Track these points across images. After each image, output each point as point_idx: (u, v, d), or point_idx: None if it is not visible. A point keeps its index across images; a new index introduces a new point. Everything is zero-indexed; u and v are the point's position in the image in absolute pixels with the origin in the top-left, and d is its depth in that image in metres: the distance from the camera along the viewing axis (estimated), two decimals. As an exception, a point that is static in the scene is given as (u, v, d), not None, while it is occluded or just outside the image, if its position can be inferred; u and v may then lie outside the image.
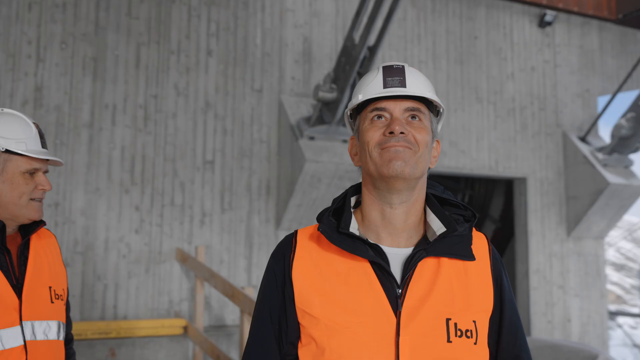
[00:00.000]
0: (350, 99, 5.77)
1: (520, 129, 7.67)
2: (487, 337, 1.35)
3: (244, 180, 6.11)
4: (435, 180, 1.54)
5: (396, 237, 1.37)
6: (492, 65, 7.59)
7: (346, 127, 1.70)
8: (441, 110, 1.42)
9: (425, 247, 1.34)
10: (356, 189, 1.48)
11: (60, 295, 1.96)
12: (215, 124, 6.07)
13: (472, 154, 7.33)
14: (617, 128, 7.32)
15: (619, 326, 13.85)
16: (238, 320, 5.76)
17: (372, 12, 5.30)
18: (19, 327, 1.79)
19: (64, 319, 1.99)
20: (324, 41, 6.62)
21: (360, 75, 5.55)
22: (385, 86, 1.36)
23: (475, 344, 1.31)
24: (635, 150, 7.46)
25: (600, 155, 7.58)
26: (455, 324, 1.30)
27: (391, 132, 1.31)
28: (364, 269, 1.33)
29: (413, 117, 1.36)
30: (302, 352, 1.33)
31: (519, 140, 7.64)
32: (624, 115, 7.31)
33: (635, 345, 13.62)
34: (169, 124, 5.90)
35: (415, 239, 1.38)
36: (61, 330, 1.96)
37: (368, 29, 5.29)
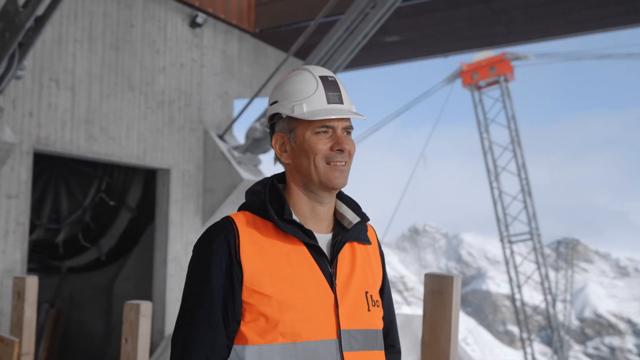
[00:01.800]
0: (7, 69, 5.22)
1: (167, 121, 7.93)
2: None
3: None
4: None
5: (320, 225, 1.60)
6: (146, 56, 7.68)
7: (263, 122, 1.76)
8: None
9: (344, 234, 1.58)
10: (279, 180, 1.63)
11: None
12: None
13: (122, 142, 7.29)
14: (251, 130, 8.18)
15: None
16: None
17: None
18: None
19: None
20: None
21: (22, 46, 5.07)
22: (328, 102, 1.53)
23: (386, 311, 1.65)
24: (265, 152, 8.45)
25: (236, 153, 8.36)
26: (371, 296, 1.60)
27: (339, 150, 1.52)
28: (302, 251, 1.53)
29: (348, 132, 1.57)
30: (246, 328, 1.48)
31: (166, 133, 7.90)
32: (258, 120, 8.21)
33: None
34: None
35: (331, 226, 1.61)
36: None
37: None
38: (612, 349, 68.49)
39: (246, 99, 9.29)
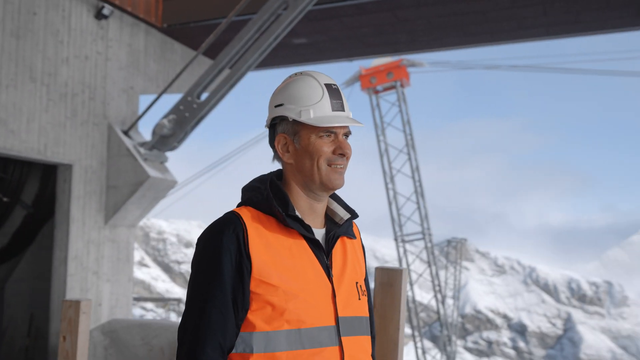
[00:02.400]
0: None
1: (70, 115, 7.63)
2: None
3: None
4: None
5: (316, 220, 1.75)
6: (49, 46, 7.35)
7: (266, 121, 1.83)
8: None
9: (337, 229, 1.71)
10: (277, 177, 1.75)
11: None
12: None
13: (21, 135, 6.94)
14: (159, 127, 8.03)
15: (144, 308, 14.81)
16: None
17: None
18: None
19: None
20: None
21: None
22: (333, 109, 1.67)
23: (368, 300, 1.77)
24: (172, 149, 8.32)
25: (142, 150, 8.17)
26: (360, 286, 1.77)
27: (341, 154, 1.66)
28: (302, 244, 1.67)
29: (346, 137, 1.71)
30: (253, 316, 1.59)
31: (69, 127, 7.60)
32: (165, 116, 8.07)
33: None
34: None
35: (323, 221, 1.74)
36: None
37: None
38: (490, 343, 72.70)
39: (152, 95, 9.11)
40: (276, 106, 1.74)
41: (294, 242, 1.66)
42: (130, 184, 8.01)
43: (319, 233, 1.74)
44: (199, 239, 1.68)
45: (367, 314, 1.77)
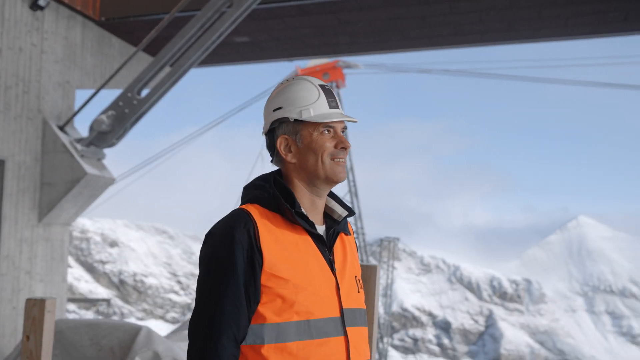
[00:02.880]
0: None
1: (3, 109, 7.34)
2: None
3: None
4: None
5: (317, 217, 1.83)
6: (-19, 36, 7.05)
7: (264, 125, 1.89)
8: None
9: (336, 226, 1.80)
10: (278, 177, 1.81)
11: None
12: None
13: (-49, 128, 6.62)
14: (97, 123, 7.84)
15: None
16: None
17: None
18: None
19: None
20: None
21: None
22: (330, 106, 1.76)
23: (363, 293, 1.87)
24: (111, 145, 8.13)
25: (79, 146, 7.95)
26: (359, 280, 1.84)
27: (343, 147, 1.75)
28: (307, 240, 1.76)
29: (343, 131, 1.80)
30: (264, 308, 1.66)
31: (1, 121, 7.30)
32: (104, 112, 7.89)
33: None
34: None
35: (323, 218, 1.82)
36: None
37: None
38: (415, 340, 74.36)
39: (88, 90, 8.87)
40: (274, 110, 1.82)
41: (300, 238, 1.75)
42: (66, 181, 7.78)
43: (320, 229, 1.82)
44: (210, 235, 1.72)
45: (365, 307, 1.87)
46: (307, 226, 1.75)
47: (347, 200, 18.92)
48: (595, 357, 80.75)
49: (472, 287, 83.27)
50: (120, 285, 70.80)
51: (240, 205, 1.82)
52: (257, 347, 1.64)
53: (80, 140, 8.01)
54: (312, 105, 1.77)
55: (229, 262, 1.65)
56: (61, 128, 8.06)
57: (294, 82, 1.83)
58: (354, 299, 1.80)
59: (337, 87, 18.90)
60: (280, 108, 1.80)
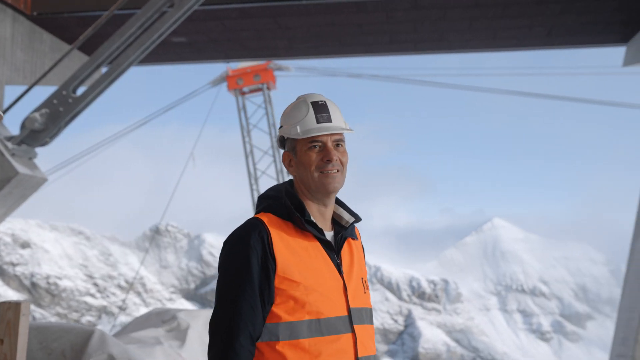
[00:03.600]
0: None
1: None
2: None
3: None
4: None
5: (325, 224, 1.96)
6: None
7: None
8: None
9: (343, 232, 1.92)
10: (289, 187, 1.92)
11: None
12: None
13: None
14: (30, 121, 7.59)
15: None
16: None
17: None
18: None
19: None
20: None
21: None
22: (318, 121, 1.86)
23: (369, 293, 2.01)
24: (43, 144, 7.89)
25: (9, 145, 7.67)
26: (365, 281, 2.01)
27: (328, 160, 1.84)
28: (316, 246, 1.90)
29: (338, 144, 1.88)
30: (278, 309, 1.81)
31: None
32: (37, 110, 7.65)
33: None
34: None
35: (331, 225, 1.95)
36: None
37: None
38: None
39: (18, 86, 8.58)
40: (279, 128, 1.99)
41: (310, 244, 1.90)
42: (-4, 180, 7.49)
43: (329, 235, 1.97)
44: (227, 242, 1.88)
45: (371, 306, 2.02)
46: (316, 233, 1.90)
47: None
48: (507, 354, 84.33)
49: (392, 288, 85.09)
50: (32, 288, 67.87)
51: (255, 214, 1.96)
52: (272, 343, 1.79)
53: (10, 139, 7.73)
54: (300, 122, 1.90)
55: (245, 267, 1.80)
56: (-10, 125, 7.76)
57: (294, 101, 1.99)
58: (361, 299, 1.94)
59: (268, 88, 18.95)
60: (281, 126, 1.97)
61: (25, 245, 71.60)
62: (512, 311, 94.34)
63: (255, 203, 2.03)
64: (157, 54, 10.13)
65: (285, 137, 1.94)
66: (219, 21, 8.96)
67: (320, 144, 1.90)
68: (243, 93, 19.28)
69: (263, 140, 19.34)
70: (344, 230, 2.00)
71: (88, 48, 8.84)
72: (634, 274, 6.88)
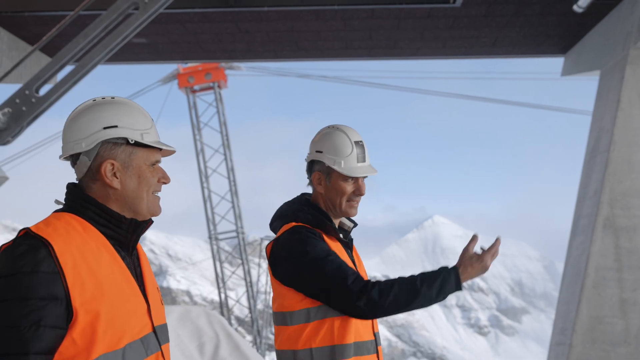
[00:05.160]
0: None
1: None
2: None
3: None
4: None
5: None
6: None
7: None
8: None
9: (349, 235, 2.41)
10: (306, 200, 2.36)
11: (160, 296, 1.84)
12: None
13: None
14: (-8, 120, 7.63)
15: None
16: None
17: None
18: (153, 333, 1.65)
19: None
20: None
21: None
22: (358, 161, 2.30)
23: None
24: (5, 143, 7.91)
25: (-30, 143, 7.68)
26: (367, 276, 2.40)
27: (359, 194, 2.32)
28: (340, 247, 2.36)
29: (363, 179, 2.36)
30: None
31: None
32: (0, 108, 7.68)
33: None
34: None
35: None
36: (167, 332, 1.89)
37: None
38: (281, 337, 75.51)
39: (-24, 84, 8.55)
40: (316, 151, 2.37)
41: (335, 246, 2.33)
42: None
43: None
44: (296, 232, 2.26)
45: None
46: (341, 237, 2.35)
47: (227, 199, 19.21)
48: (447, 348, 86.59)
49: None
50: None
51: (287, 222, 2.35)
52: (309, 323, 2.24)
53: (-28, 137, 7.73)
54: (345, 158, 2.32)
55: (322, 248, 2.22)
56: (-51, 123, 7.74)
57: (336, 132, 2.37)
58: None
59: (219, 87, 19.08)
60: (321, 152, 2.37)
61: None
62: (452, 306, 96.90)
63: (276, 214, 2.42)
64: (117, 53, 10.20)
65: (326, 165, 2.34)
66: (181, 24, 9.14)
67: (354, 179, 2.35)
68: (194, 91, 19.34)
69: (214, 139, 19.48)
70: (349, 233, 2.46)
71: (46, 47, 8.88)
72: (572, 268, 7.51)
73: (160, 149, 1.78)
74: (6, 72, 8.06)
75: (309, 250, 2.18)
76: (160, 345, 1.66)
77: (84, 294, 1.54)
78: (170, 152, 1.84)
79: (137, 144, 1.72)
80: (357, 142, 2.34)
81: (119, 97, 1.80)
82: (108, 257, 1.64)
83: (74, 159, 1.75)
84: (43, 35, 8.13)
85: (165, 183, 1.78)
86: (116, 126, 1.71)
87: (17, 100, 7.66)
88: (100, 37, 7.79)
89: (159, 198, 1.78)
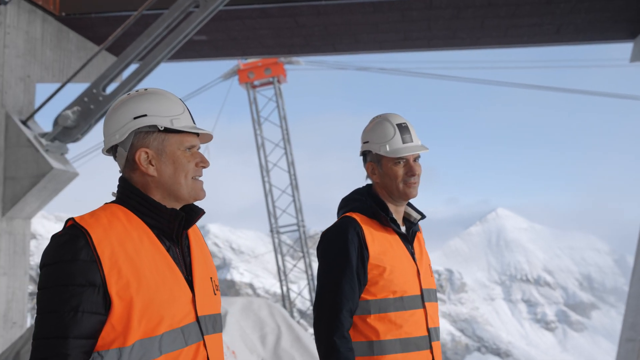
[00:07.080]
0: None
1: (-32, 103, 7.36)
2: None
3: None
4: None
5: (399, 221, 2.42)
6: (-52, 30, 7.04)
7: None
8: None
9: (414, 227, 2.35)
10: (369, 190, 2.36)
11: (217, 286, 1.82)
12: None
13: None
14: (63, 118, 7.94)
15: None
16: None
17: None
18: (196, 323, 1.66)
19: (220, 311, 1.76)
20: None
21: None
22: (403, 142, 2.28)
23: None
24: (75, 140, 8.25)
25: (43, 141, 8.03)
26: (430, 267, 2.40)
27: (412, 175, 2.28)
28: (396, 239, 2.35)
29: (416, 159, 2.30)
30: (369, 288, 2.23)
31: (-33, 115, 7.32)
32: (69, 107, 8.00)
33: None
34: None
35: (402, 221, 2.37)
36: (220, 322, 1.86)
37: None
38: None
39: (48, 84, 8.93)
40: (364, 142, 2.40)
41: (392, 237, 2.33)
42: (32, 175, 7.86)
43: (403, 229, 2.40)
44: (326, 237, 2.28)
45: (435, 287, 2.43)
46: (397, 228, 2.33)
47: (288, 193, 19.38)
48: (512, 343, 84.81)
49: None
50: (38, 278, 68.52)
51: (344, 213, 2.36)
52: (364, 317, 2.22)
53: (44, 135, 8.09)
54: (389, 141, 2.33)
55: (345, 256, 2.22)
56: (24, 122, 8.12)
57: (379, 121, 2.40)
58: (429, 281, 2.39)
59: (279, 82, 19.26)
60: (367, 142, 2.40)
61: (31, 236, 72.19)
62: (517, 301, 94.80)
63: (339, 204, 2.43)
64: (178, 51, 10.45)
65: (373, 152, 2.35)
66: (240, 20, 9.27)
67: (404, 160, 2.31)
68: (254, 86, 19.61)
69: (275, 133, 19.68)
70: (414, 225, 2.41)
71: (111, 46, 9.17)
72: (642, 262, 7.22)
73: (197, 134, 1.78)
74: (75, 72, 8.37)
75: (330, 257, 2.25)
76: (203, 336, 1.66)
77: (119, 282, 1.58)
78: (207, 138, 1.84)
79: (168, 130, 1.73)
80: (399, 125, 2.35)
81: (152, 88, 1.83)
82: (149, 246, 1.67)
83: (113, 152, 1.79)
84: (109, 35, 8.41)
85: (204, 167, 1.77)
86: (145, 115, 1.73)
87: (86, 99, 7.96)
88: (163, 35, 7.99)
89: (201, 182, 1.78)
